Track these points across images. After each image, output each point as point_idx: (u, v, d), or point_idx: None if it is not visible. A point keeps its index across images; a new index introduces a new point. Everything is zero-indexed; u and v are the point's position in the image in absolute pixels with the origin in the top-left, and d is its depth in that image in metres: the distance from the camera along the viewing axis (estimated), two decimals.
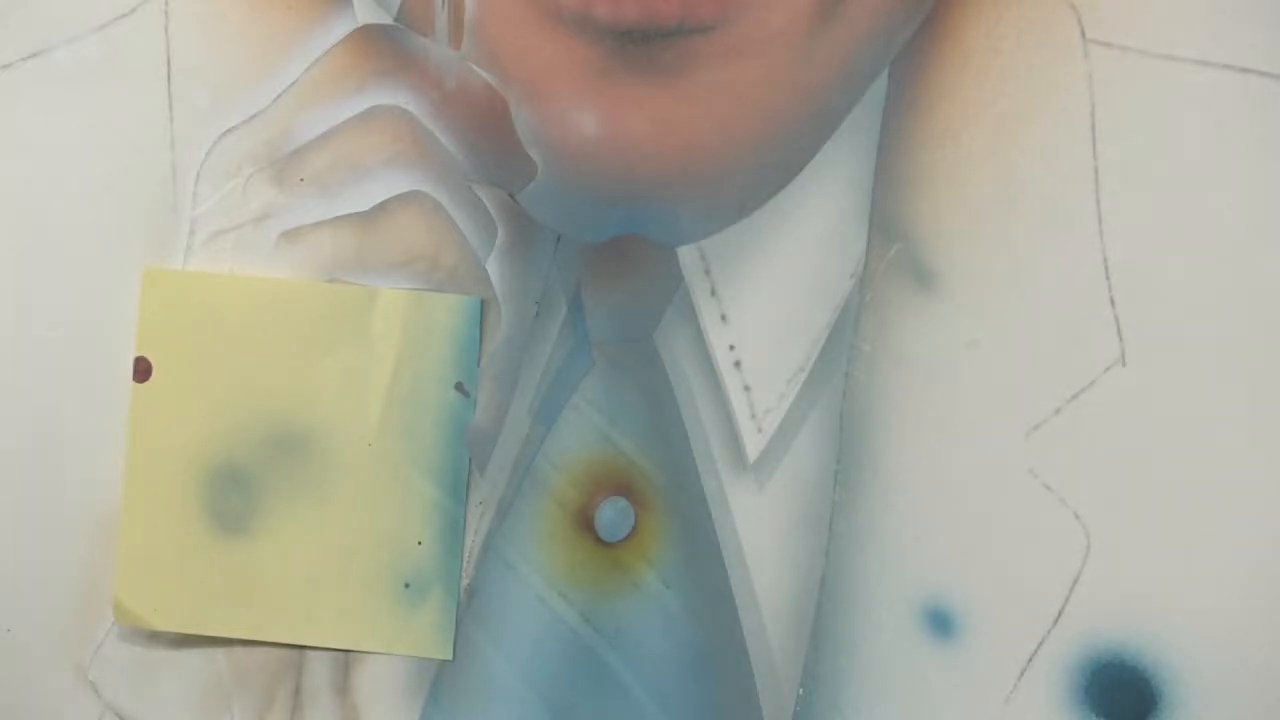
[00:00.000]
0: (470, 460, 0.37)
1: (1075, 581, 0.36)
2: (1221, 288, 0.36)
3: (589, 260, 0.37)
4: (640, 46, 0.36)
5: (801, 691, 0.36)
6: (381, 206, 0.37)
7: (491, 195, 0.37)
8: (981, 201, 0.36)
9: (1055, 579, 0.36)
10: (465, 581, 0.37)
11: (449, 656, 0.37)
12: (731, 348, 0.37)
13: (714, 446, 0.37)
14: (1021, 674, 0.36)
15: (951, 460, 0.36)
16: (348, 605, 0.36)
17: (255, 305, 0.36)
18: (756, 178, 0.37)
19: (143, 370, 0.36)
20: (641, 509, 0.37)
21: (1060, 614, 0.36)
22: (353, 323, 0.37)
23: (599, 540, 0.37)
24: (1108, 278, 0.36)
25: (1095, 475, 0.36)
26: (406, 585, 0.36)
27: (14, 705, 0.37)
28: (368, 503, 0.36)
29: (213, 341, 0.36)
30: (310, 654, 0.37)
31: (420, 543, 0.37)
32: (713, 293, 0.37)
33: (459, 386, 0.37)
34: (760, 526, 0.37)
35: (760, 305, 0.37)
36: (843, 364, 0.37)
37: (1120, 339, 0.36)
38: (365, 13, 0.37)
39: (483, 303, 0.37)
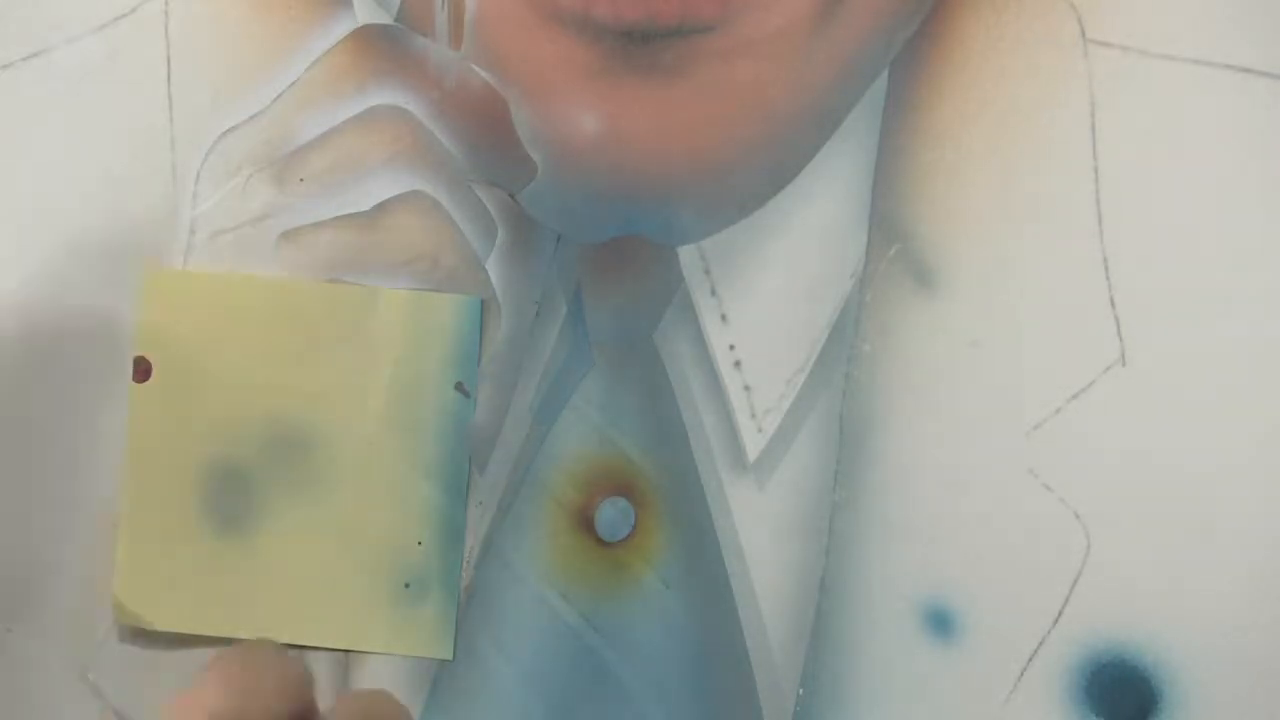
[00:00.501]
0: (470, 460, 0.37)
1: (1075, 581, 0.36)
2: (1221, 288, 0.36)
3: (589, 260, 0.37)
4: (640, 46, 0.36)
5: (801, 691, 0.36)
6: (381, 206, 0.37)
7: (491, 195, 0.37)
8: (981, 201, 0.36)
9: (1055, 579, 0.36)
10: (465, 581, 0.37)
11: (449, 656, 0.37)
12: (732, 347, 0.37)
13: (714, 446, 0.37)
14: (1021, 674, 0.36)
15: (951, 460, 0.36)
16: (348, 605, 0.36)
17: (255, 305, 0.36)
18: (756, 177, 0.37)
19: (142, 370, 0.36)
20: (641, 509, 0.37)
21: (1060, 614, 0.36)
22: (353, 323, 0.37)
23: (599, 540, 0.37)
24: (1108, 278, 0.36)
25: (1095, 475, 0.36)
26: (406, 585, 0.36)
27: (14, 705, 0.37)
28: (368, 503, 0.36)
29: (213, 341, 0.36)
30: (310, 654, 0.37)
31: (420, 543, 0.36)
32: (713, 292, 0.37)
33: (459, 386, 0.37)
34: (760, 526, 0.37)
35: (760, 305, 0.37)
36: (843, 364, 0.37)
37: (1120, 339, 0.36)
38: (365, 13, 0.37)
39: (483, 303, 0.37)
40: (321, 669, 0.37)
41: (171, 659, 0.37)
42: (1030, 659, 0.36)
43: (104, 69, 0.38)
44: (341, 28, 0.38)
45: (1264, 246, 0.36)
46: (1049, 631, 0.36)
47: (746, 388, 0.37)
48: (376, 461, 0.36)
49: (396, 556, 0.36)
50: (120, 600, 0.36)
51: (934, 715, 0.36)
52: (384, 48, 0.37)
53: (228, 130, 0.38)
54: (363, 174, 0.38)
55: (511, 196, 0.37)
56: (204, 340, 0.36)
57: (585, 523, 0.37)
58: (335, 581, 0.36)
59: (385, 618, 0.36)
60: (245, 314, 0.36)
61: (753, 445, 0.37)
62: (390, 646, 0.37)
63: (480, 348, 0.37)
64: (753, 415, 0.37)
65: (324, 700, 0.37)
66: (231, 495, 0.36)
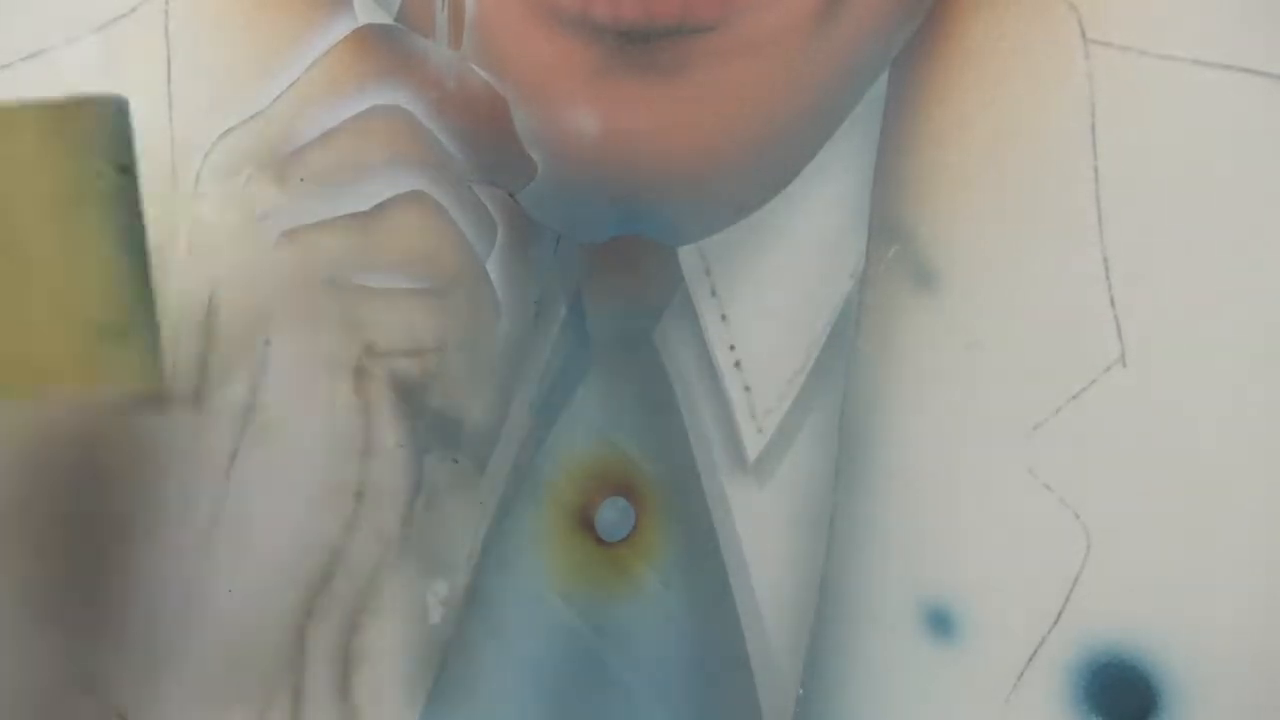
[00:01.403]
0: (146, 237, 0.35)
1: (1075, 581, 0.36)
2: (1221, 288, 0.36)
3: (589, 260, 0.37)
4: (639, 46, 0.36)
5: (801, 691, 0.36)
6: (381, 206, 0.37)
7: (491, 195, 0.37)
8: (981, 201, 0.36)
9: (1055, 579, 0.36)
10: (465, 581, 0.37)
11: (158, 384, 0.35)
12: (732, 348, 0.37)
13: (714, 446, 0.37)
14: (1021, 674, 0.36)
15: (951, 460, 0.36)
16: (39, 349, 0.35)
17: None
18: (756, 178, 0.37)
19: None
20: (641, 509, 0.37)
21: (1060, 614, 0.36)
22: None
23: (599, 540, 0.37)
24: (1108, 278, 0.36)
25: (1095, 475, 0.36)
26: (102, 327, 0.35)
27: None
28: (54, 269, 0.34)
29: None
30: (310, 655, 0.37)
31: (115, 289, 0.35)
32: (713, 293, 0.37)
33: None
34: (760, 526, 0.37)
35: (760, 305, 0.37)
36: (843, 364, 0.37)
37: (1120, 339, 0.36)
38: (365, 13, 0.38)
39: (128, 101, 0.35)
40: (322, 669, 0.37)
41: (171, 659, 0.37)
42: (1030, 659, 0.36)
43: (104, 69, 0.38)
44: (341, 27, 0.38)
45: (1264, 246, 0.36)
46: (1049, 632, 0.36)
47: (746, 388, 0.37)
48: (47, 249, 0.35)
49: (89, 304, 0.34)
50: None
51: (934, 715, 0.36)
52: (384, 48, 0.37)
53: (228, 130, 0.38)
54: (363, 174, 0.38)
55: (511, 196, 0.37)
56: None
57: (585, 523, 0.37)
58: (23, 326, 0.34)
59: (84, 358, 0.34)
60: None
61: (753, 445, 0.37)
62: (93, 381, 0.35)
63: (134, 135, 0.35)
64: (753, 415, 0.37)
65: (323, 701, 0.37)
66: None
